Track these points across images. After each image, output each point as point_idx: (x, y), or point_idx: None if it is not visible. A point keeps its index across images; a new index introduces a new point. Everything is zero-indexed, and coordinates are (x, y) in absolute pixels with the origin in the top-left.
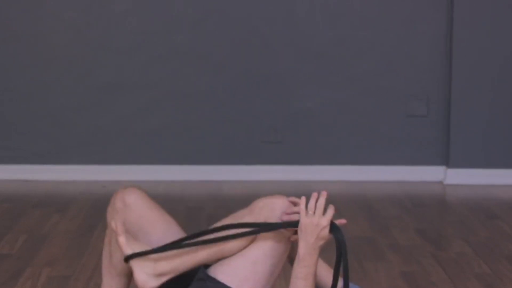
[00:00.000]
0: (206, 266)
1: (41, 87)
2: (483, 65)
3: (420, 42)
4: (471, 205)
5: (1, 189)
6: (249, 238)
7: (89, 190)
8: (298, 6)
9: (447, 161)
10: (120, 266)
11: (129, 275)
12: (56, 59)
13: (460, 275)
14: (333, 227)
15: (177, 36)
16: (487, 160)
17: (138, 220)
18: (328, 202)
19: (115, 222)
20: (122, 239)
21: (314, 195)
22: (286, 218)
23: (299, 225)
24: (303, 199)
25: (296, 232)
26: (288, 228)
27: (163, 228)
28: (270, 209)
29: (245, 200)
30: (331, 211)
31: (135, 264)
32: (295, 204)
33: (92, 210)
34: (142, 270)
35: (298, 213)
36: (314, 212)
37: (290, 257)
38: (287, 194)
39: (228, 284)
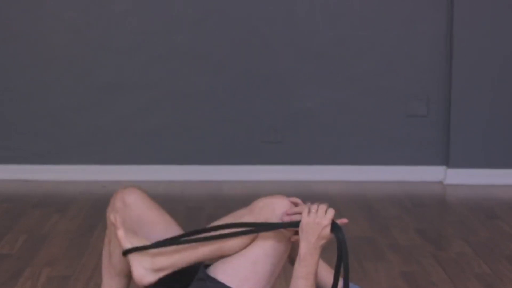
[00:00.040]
0: (206, 266)
1: (41, 87)
2: (483, 65)
3: (420, 42)
4: (471, 205)
5: (1, 189)
6: (250, 237)
7: (89, 190)
8: (298, 6)
9: (447, 161)
10: (120, 266)
11: (129, 275)
12: (56, 59)
13: (460, 275)
14: (334, 227)
15: (177, 36)
16: (487, 160)
17: (138, 220)
18: (328, 203)
19: (114, 216)
20: (121, 233)
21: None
22: (287, 218)
23: (300, 224)
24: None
25: (296, 233)
26: (288, 228)
27: (162, 228)
28: (270, 209)
29: (245, 200)
30: (331, 211)
31: (133, 258)
32: (296, 204)
33: (92, 210)
34: (140, 265)
35: (299, 213)
36: (316, 212)
37: (291, 257)
38: (287, 194)
39: (228, 284)
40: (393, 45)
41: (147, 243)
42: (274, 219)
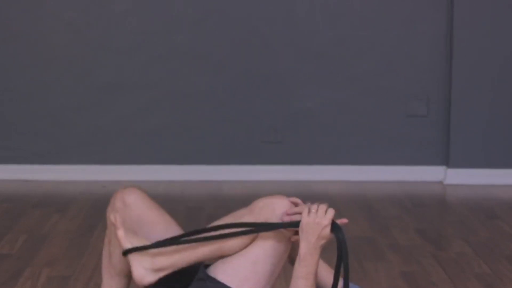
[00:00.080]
0: (206, 266)
1: (41, 87)
2: (483, 65)
3: (420, 42)
4: (471, 205)
5: (1, 189)
6: (250, 237)
7: (89, 190)
8: (298, 6)
9: (447, 161)
10: (120, 266)
11: (129, 275)
12: (56, 59)
13: (460, 275)
14: (334, 227)
15: (177, 36)
16: (487, 160)
17: (138, 220)
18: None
19: (114, 216)
20: (121, 232)
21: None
22: (287, 219)
23: (301, 224)
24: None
25: (296, 233)
26: (288, 228)
27: (162, 228)
28: (270, 210)
29: (245, 200)
30: (331, 211)
31: (133, 258)
32: (296, 204)
33: (92, 210)
34: (140, 265)
35: (299, 213)
36: (316, 212)
37: (291, 257)
38: (287, 194)
39: (228, 284)
40: (393, 45)
41: (147, 243)
42: (274, 219)
